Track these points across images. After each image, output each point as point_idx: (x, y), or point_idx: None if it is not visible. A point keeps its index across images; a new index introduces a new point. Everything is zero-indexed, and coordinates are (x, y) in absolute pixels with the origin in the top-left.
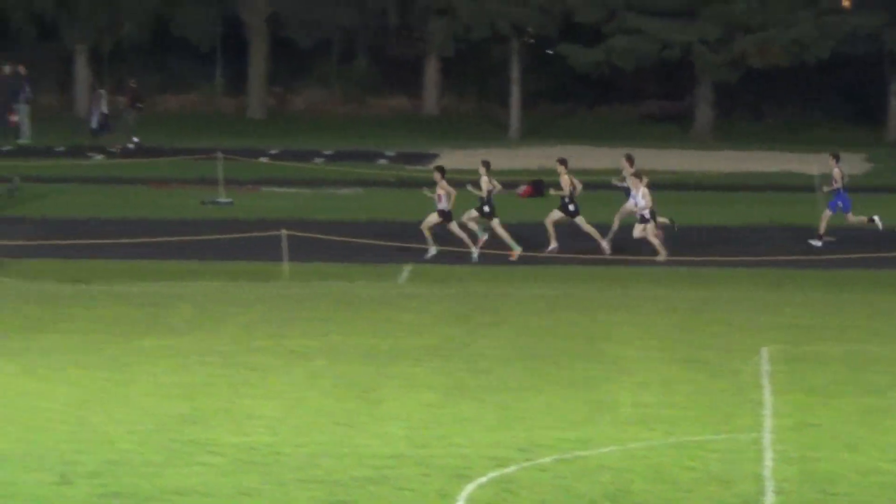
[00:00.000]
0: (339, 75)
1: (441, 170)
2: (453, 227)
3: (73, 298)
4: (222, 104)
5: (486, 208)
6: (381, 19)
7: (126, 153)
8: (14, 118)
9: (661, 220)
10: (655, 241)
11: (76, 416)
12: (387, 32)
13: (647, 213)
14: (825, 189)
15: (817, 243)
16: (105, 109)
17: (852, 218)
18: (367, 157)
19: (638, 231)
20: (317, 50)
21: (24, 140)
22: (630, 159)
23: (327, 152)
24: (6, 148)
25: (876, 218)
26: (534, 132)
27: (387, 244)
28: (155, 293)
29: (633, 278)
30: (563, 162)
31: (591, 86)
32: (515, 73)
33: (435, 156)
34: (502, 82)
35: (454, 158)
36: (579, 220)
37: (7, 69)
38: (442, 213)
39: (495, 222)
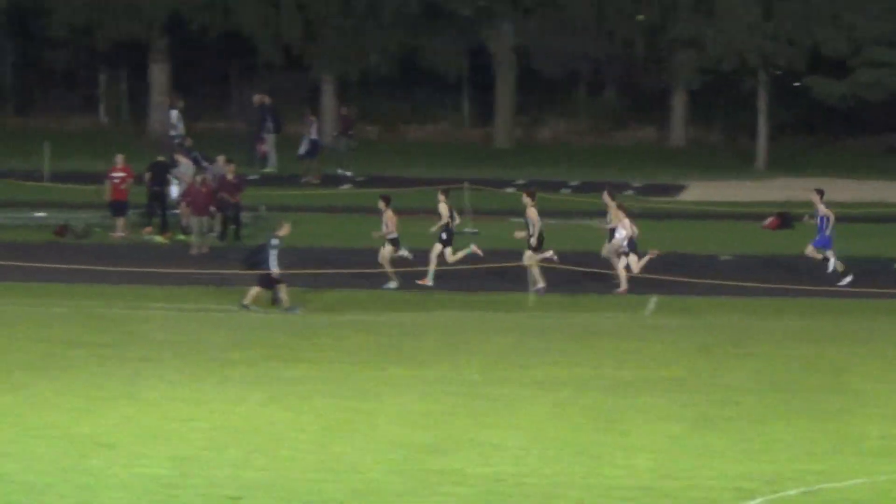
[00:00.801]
0: (587, 106)
1: (386, 199)
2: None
3: (320, 328)
4: (469, 134)
5: (445, 235)
6: (629, 51)
7: (333, 181)
8: (263, 148)
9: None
10: (636, 269)
11: (322, 445)
12: (634, 64)
13: (626, 245)
14: (807, 219)
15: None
16: (314, 136)
17: (819, 254)
18: (614, 189)
19: (622, 264)
20: (564, 81)
21: (270, 168)
22: (611, 193)
23: (573, 183)
24: (253, 177)
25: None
26: (780, 164)
27: (632, 275)
28: (401, 323)
29: (873, 311)
30: (530, 194)
31: (838, 118)
32: (763, 104)
33: (682, 187)
34: (749, 114)
35: (700, 190)
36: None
37: (256, 99)
38: (393, 241)
39: (448, 251)
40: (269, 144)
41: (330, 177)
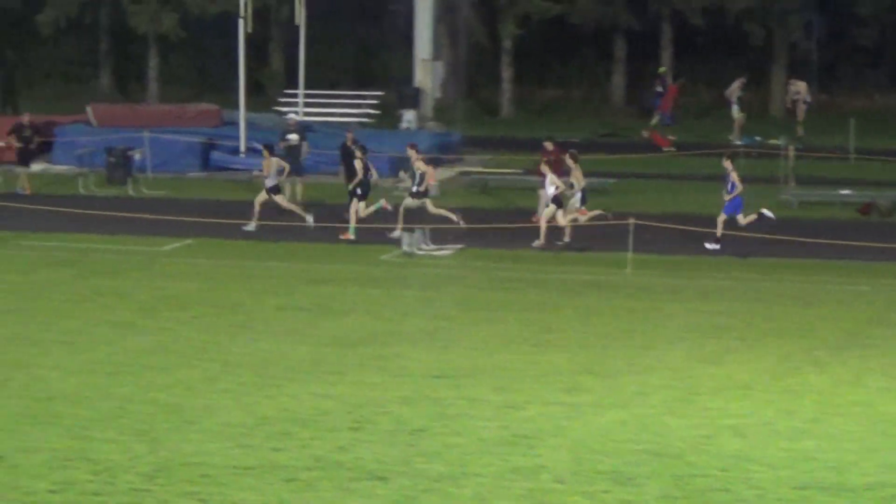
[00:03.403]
0: None
1: (269, 148)
2: (280, 199)
3: None
4: None
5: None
6: None
7: None
8: None
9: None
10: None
11: None
12: None
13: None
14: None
15: (714, 246)
16: None
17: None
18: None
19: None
20: None
21: None
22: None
23: None
24: None
25: (765, 211)
26: None
27: None
28: None
29: None
30: (414, 147)
31: None
32: None
33: None
34: None
35: None
36: (427, 203)
37: None
38: (271, 188)
39: (361, 205)
40: None
41: None
